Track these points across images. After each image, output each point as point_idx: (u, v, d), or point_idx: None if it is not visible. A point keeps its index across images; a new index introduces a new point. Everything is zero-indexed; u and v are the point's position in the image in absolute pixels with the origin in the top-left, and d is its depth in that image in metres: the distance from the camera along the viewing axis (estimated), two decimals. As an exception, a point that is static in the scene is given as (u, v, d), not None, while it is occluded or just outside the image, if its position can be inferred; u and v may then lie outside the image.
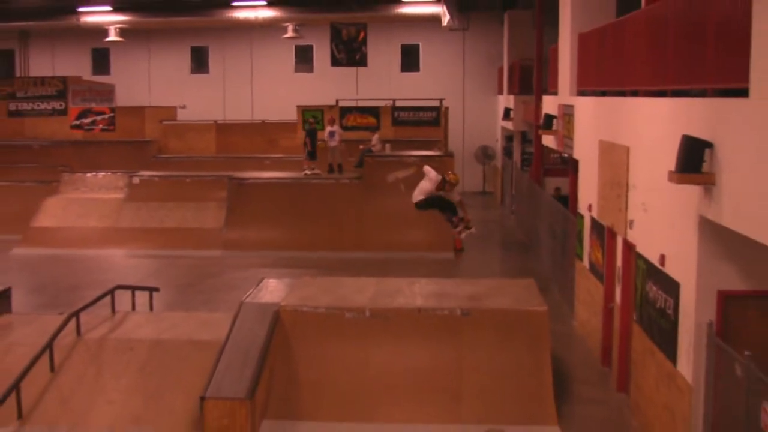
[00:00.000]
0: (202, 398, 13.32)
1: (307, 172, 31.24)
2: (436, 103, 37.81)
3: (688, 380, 11.26)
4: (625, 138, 14.98)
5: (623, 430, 13.86)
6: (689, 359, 11.26)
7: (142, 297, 19.51)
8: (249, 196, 30.18)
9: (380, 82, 44.04)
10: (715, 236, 10.70)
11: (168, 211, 30.52)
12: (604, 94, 17.96)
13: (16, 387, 13.76)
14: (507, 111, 37.52)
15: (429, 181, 16.13)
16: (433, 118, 38.01)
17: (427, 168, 16.35)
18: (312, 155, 31.41)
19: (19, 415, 13.83)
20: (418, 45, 45.78)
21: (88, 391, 14.51)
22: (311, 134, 31.63)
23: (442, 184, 16.11)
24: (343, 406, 14.16)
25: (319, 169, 31.56)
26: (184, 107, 43.49)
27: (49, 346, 14.80)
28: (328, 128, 32.12)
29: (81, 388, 14.56)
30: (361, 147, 33.44)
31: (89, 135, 39.35)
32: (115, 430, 13.72)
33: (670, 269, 12.15)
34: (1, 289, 17.80)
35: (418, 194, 16.25)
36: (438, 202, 16.41)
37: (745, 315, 11.10)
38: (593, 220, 17.90)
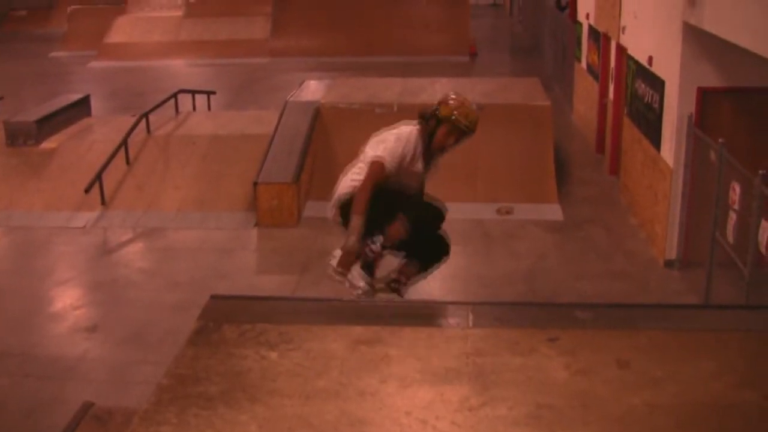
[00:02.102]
0: (255, 183, 13.46)
1: None
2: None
3: (670, 164, 11.24)
4: (621, -49, 14.47)
5: (613, 206, 13.94)
6: (671, 146, 11.20)
7: (201, 99, 19.54)
8: (291, 9, 29.97)
9: None
10: (697, 39, 10.45)
11: (221, 25, 30.30)
12: None
13: (98, 178, 13.97)
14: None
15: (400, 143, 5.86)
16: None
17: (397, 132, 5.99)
18: None
19: (102, 202, 14.08)
20: None
21: (158, 180, 14.70)
22: None
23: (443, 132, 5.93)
24: (375, 188, 14.26)
25: None
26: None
27: (124, 142, 14.93)
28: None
29: (152, 177, 14.75)
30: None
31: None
32: (182, 210, 13.97)
33: (657, 68, 11.95)
34: (81, 96, 17.87)
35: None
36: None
37: (720, 108, 10.98)
38: (590, 27, 17.54)
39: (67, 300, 11.11)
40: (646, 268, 11.58)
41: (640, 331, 4.75)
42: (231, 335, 4.74)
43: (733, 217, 9.14)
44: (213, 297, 5.28)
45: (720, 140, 9.47)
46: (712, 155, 9.81)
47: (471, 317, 5.01)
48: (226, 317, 4.94)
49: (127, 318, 10.51)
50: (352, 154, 6.19)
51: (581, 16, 18.71)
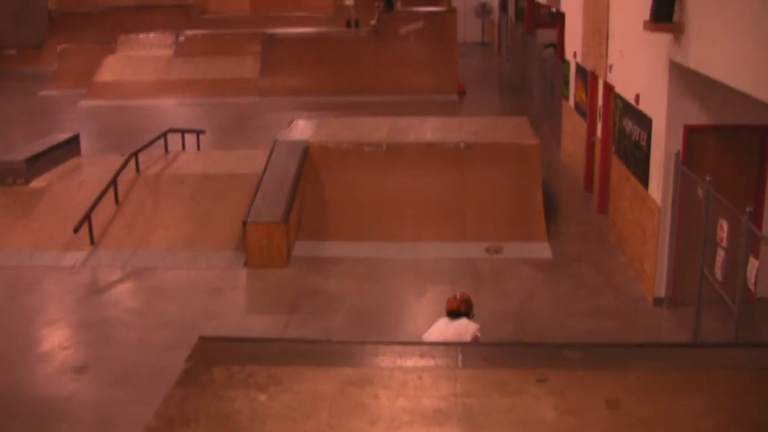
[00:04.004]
0: (244, 222, 13.46)
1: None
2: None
3: (658, 201, 11.29)
4: (607, -9, 14.62)
5: (602, 243, 13.98)
6: (659, 184, 11.26)
7: (190, 138, 19.58)
8: (280, 49, 30.12)
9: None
10: (683, 77, 10.56)
11: (211, 64, 30.39)
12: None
13: (88, 217, 13.95)
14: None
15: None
16: (438, -22, 37.55)
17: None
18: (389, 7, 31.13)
19: (91, 241, 14.05)
20: None
21: (147, 219, 14.69)
22: None
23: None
24: (364, 227, 14.28)
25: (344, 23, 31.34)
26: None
27: (113, 182, 14.93)
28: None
29: (141, 216, 14.73)
30: (376, 5, 32.70)
31: (140, 0, 38.55)
32: (171, 250, 13.94)
33: (644, 106, 12.04)
34: (70, 135, 17.89)
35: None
36: None
37: (706, 145, 11.07)
38: (578, 66, 17.68)
39: (56, 340, 11.04)
40: (635, 306, 11.59)
41: (629, 371, 4.75)
42: (220, 377, 4.72)
43: (721, 254, 9.18)
44: (202, 338, 5.27)
45: (707, 178, 9.53)
46: (700, 193, 9.86)
47: (460, 357, 5.01)
48: (215, 359, 4.93)
49: (116, 358, 10.45)
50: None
51: (569, 55, 18.87)
